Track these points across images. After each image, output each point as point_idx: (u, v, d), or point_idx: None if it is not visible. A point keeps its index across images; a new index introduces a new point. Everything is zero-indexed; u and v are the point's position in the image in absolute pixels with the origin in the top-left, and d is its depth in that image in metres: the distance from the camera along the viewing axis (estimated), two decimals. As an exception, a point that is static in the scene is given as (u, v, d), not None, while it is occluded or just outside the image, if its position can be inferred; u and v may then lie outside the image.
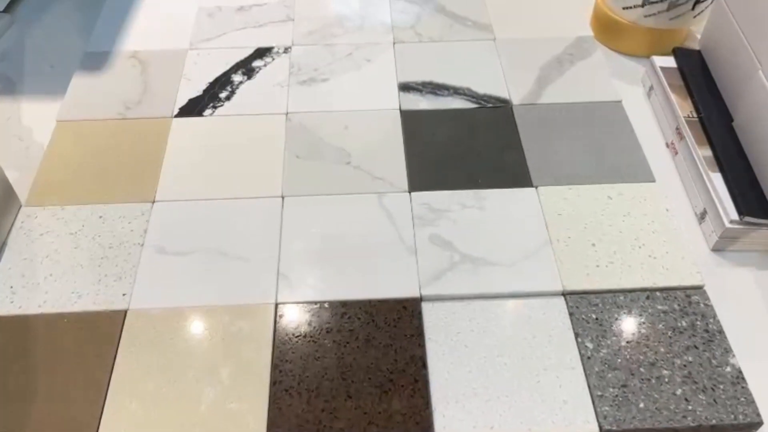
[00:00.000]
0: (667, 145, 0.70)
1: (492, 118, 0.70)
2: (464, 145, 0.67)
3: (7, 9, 0.90)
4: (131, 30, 0.80)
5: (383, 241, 0.59)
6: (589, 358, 0.51)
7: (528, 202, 0.62)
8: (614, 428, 0.47)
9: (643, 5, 0.75)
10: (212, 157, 0.66)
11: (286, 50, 0.77)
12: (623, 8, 0.77)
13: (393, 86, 0.73)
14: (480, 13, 0.82)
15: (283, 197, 0.62)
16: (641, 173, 0.64)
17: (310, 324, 0.53)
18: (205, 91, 0.72)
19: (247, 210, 0.61)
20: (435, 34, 0.80)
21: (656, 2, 0.74)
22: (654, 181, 0.64)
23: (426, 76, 0.74)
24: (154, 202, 0.62)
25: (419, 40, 0.79)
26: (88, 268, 0.57)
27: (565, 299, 0.55)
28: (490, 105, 0.71)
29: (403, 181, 0.64)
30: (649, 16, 0.76)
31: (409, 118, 0.70)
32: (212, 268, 0.57)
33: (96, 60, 0.76)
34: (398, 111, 0.71)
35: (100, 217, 0.61)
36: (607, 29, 0.81)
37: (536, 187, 0.63)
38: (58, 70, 0.79)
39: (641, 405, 0.48)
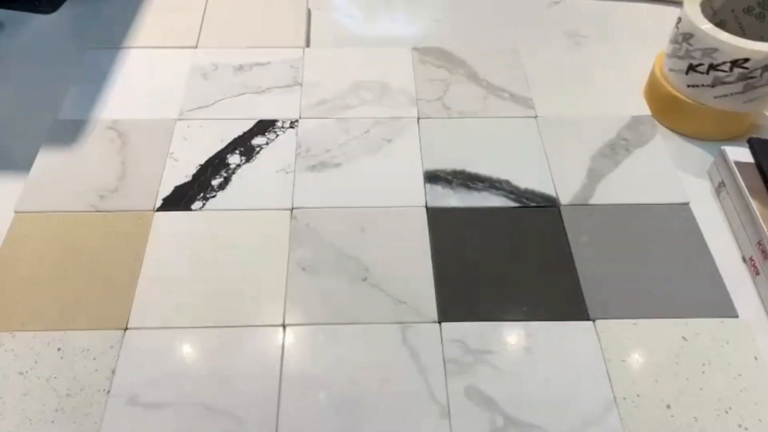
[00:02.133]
0: (745, 260, 0.59)
1: (537, 223, 0.58)
2: (505, 258, 0.56)
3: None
4: (111, 93, 0.68)
5: (407, 391, 0.48)
6: None
7: (585, 342, 0.51)
8: None
9: (713, 85, 0.64)
10: (200, 268, 0.54)
11: (293, 124, 0.66)
12: (688, 86, 0.66)
13: (418, 175, 0.62)
14: (519, 84, 0.71)
15: (284, 326, 0.51)
16: (720, 305, 0.53)
17: None
18: (195, 176, 0.61)
19: (240, 344, 0.50)
20: (466, 108, 0.68)
21: (730, 83, 0.63)
22: (736, 316, 0.52)
23: (457, 162, 0.63)
24: (126, 329, 0.50)
25: (448, 115, 0.67)
26: (37, 425, 0.45)
27: (638, 486, 0.44)
28: (534, 204, 0.60)
29: (432, 307, 0.52)
30: (720, 97, 0.65)
31: (437, 219, 0.58)
32: (194, 428, 0.46)
33: (67, 130, 0.64)
34: (424, 208, 0.59)
35: (59, 349, 0.49)
36: (666, 107, 0.69)
37: (594, 321, 0.52)
38: (22, 140, 0.67)
39: None
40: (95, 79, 0.70)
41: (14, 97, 0.71)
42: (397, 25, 0.82)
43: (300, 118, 0.67)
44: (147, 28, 0.76)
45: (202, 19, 0.77)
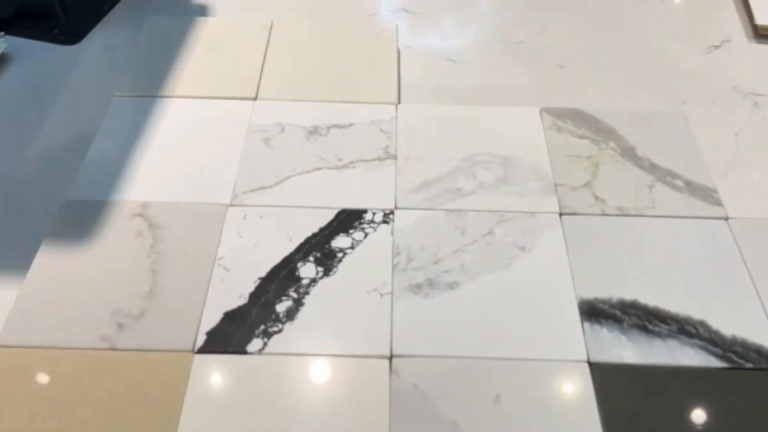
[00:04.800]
0: None
1: (759, 395, 0.39)
2: (718, 459, 0.36)
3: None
4: (142, 161, 0.51)
5: None
6: None
7: None
8: None
9: None
10: (258, 456, 0.36)
11: (387, 217, 0.48)
12: None
13: (569, 306, 0.43)
14: (694, 165, 0.51)
15: None
16: None
17: None
18: (253, 297, 0.43)
19: None
20: (626, 201, 0.49)
21: None
22: None
23: (624, 288, 0.44)
24: None
25: (602, 211, 0.48)
26: None
27: None
28: (750, 365, 0.40)
29: None
30: None
31: (606, 383, 0.39)
32: None
33: (79, 216, 0.47)
34: (586, 364, 0.40)
35: None
36: None
37: None
38: (18, 231, 0.50)
39: None
40: (121, 141, 0.52)
41: (13, 162, 0.54)
42: (512, 71, 0.63)
43: (396, 208, 0.48)
44: (192, 70, 0.58)
45: (263, 60, 0.59)
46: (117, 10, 0.68)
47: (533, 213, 0.48)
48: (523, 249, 0.46)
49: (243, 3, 0.69)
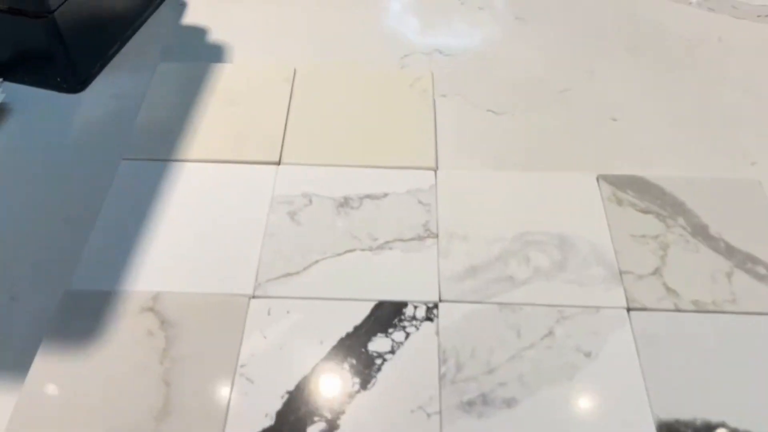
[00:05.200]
0: None
1: None
2: None
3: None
4: (154, 242, 0.45)
5: None
6: None
7: None
8: None
9: None
10: None
11: (429, 312, 0.42)
12: None
13: (647, 427, 0.37)
14: (779, 250, 0.46)
15: None
16: None
17: None
18: (280, 416, 0.37)
19: None
20: (702, 293, 0.43)
21: None
22: None
23: (708, 405, 0.38)
24: None
25: (675, 305, 0.42)
26: None
27: None
28: None
29: None
30: None
31: None
32: None
33: (82, 310, 0.42)
34: (669, 508, 0.35)
35: None
36: None
37: None
38: (22, 304, 0.44)
39: None
40: (129, 216, 0.47)
41: (10, 235, 0.49)
42: (558, 125, 0.57)
43: (440, 300, 0.42)
44: (207, 127, 0.53)
45: (287, 116, 0.54)
46: (124, 53, 0.62)
47: (597, 308, 0.42)
48: (588, 355, 0.40)
49: (262, 45, 0.63)
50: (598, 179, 0.49)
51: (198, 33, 0.65)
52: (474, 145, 0.55)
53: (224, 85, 0.56)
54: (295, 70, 0.57)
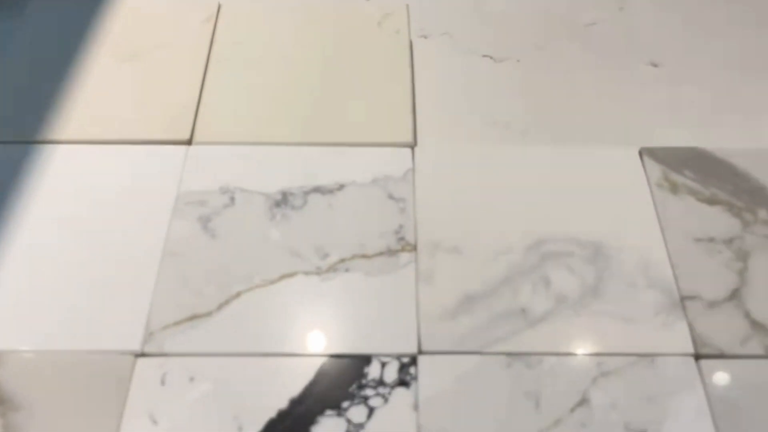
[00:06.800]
0: None
1: None
2: None
3: None
4: (11, 267, 0.31)
5: None
6: None
7: None
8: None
9: None
10: None
11: (404, 372, 0.28)
12: None
13: None
14: None
15: None
16: None
17: None
18: None
19: None
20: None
21: None
22: None
23: None
24: None
25: (766, 348, 0.29)
26: None
27: None
28: None
29: None
30: None
31: None
32: None
33: None
34: None
35: None
36: None
37: None
38: None
39: None
40: (-28, 229, 0.32)
41: None
42: (582, 75, 0.42)
43: (419, 352, 0.29)
44: (92, 95, 0.38)
45: (204, 76, 0.39)
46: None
47: (652, 357, 0.29)
48: (644, 435, 0.27)
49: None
50: (641, 154, 0.35)
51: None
52: (466, 108, 0.40)
53: (118, 33, 0.40)
54: (219, 6, 0.42)
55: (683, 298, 0.30)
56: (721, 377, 0.28)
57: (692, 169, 0.35)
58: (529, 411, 0.27)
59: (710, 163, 0.35)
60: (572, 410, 0.27)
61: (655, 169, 0.35)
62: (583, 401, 0.28)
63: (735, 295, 0.30)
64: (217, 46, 0.40)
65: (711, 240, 0.32)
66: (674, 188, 0.34)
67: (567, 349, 0.29)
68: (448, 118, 0.40)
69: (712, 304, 0.30)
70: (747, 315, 0.30)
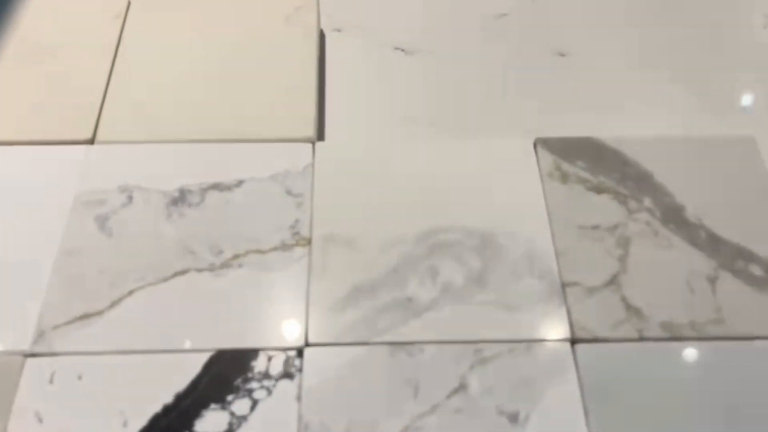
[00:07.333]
0: None
1: None
2: None
3: None
4: None
5: None
6: None
7: None
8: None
9: None
10: None
11: (289, 365, 0.29)
12: None
13: None
14: (780, 240, 0.33)
15: None
16: None
17: None
18: None
19: None
20: (676, 310, 0.31)
21: None
22: None
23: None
24: None
25: (639, 333, 0.30)
26: None
27: None
28: None
29: None
30: None
31: None
32: None
33: None
34: None
35: None
36: None
37: None
38: None
39: None
40: None
41: None
42: (490, 67, 0.43)
43: (306, 344, 0.30)
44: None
45: (110, 71, 0.39)
46: None
47: (529, 343, 0.30)
48: (515, 420, 0.28)
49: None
50: (536, 145, 0.36)
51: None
52: (376, 102, 0.41)
53: (26, 30, 0.40)
54: (129, 3, 0.42)
55: (564, 285, 0.31)
56: (592, 361, 0.29)
57: (584, 159, 0.35)
58: (408, 398, 0.28)
59: (602, 152, 0.36)
60: (449, 396, 0.28)
61: (548, 160, 0.35)
62: (461, 387, 0.29)
63: (613, 281, 0.31)
64: (125, 44, 0.40)
65: (595, 227, 0.33)
66: (564, 177, 0.35)
67: (448, 337, 0.30)
68: (357, 112, 0.41)
69: (591, 290, 0.31)
70: (623, 299, 0.31)
